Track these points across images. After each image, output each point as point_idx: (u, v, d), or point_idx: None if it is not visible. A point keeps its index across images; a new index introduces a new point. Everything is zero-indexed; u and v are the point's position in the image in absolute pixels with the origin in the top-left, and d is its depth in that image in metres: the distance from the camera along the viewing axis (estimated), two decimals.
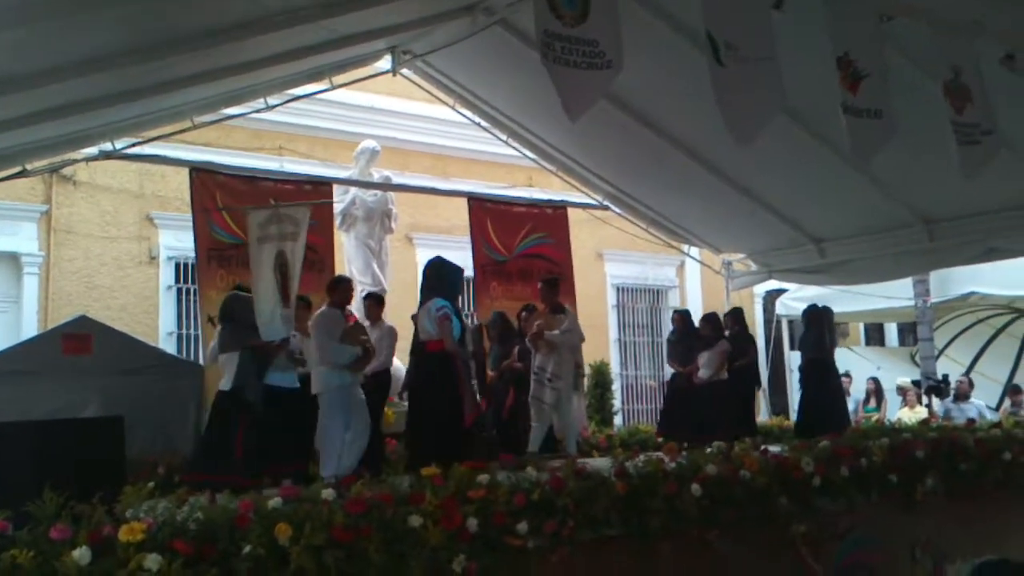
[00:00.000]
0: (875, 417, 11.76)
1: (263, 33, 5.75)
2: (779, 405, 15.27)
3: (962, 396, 12.11)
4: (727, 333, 10.07)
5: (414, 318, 7.59)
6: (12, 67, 4.99)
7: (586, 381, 11.26)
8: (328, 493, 4.22)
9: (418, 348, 7.34)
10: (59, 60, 5.13)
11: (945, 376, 12.55)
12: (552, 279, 9.16)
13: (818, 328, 10.12)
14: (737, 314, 10.47)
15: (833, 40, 5.64)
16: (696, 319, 10.42)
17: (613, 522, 4.92)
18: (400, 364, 8.66)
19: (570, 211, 11.09)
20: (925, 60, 6.38)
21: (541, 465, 5.15)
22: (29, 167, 7.24)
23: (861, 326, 18.54)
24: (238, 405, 7.02)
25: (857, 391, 13.97)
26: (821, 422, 9.01)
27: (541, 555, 4.55)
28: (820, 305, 10.50)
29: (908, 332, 17.69)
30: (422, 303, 7.28)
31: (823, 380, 9.95)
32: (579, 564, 4.69)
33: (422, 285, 7.49)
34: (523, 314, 9.10)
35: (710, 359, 9.68)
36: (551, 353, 8.33)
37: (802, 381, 10.21)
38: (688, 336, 10.11)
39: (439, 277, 7.37)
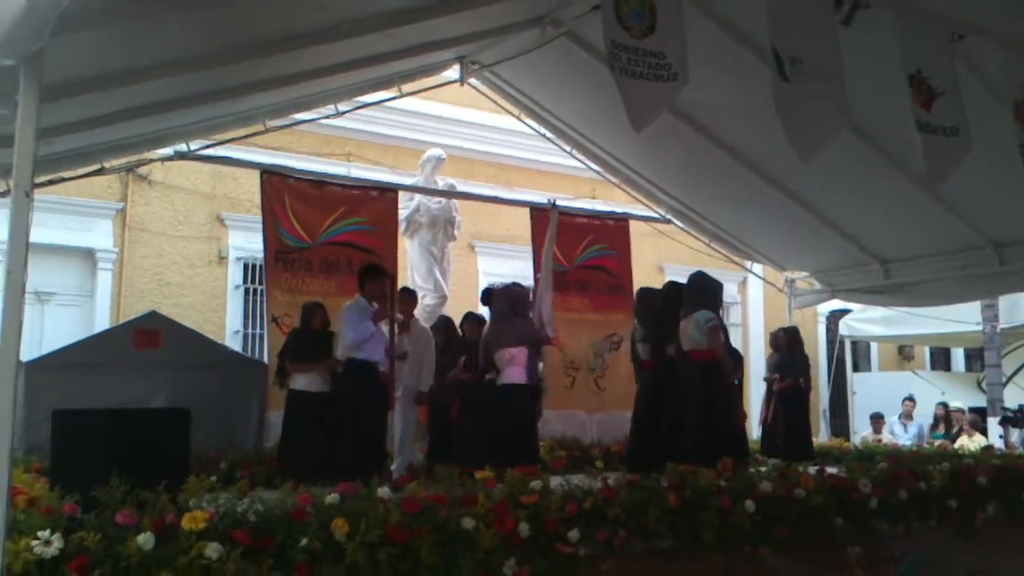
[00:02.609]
0: (937, 443, 11.51)
1: (335, 40, 5.86)
2: (840, 427, 15.07)
3: None
4: None
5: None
6: (97, 67, 5.14)
7: None
8: (385, 492, 4.30)
9: (679, 357, 7.37)
10: (141, 62, 5.28)
11: (1021, 406, 12.26)
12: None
13: (790, 352, 9.95)
14: None
15: (905, 58, 5.59)
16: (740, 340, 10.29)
17: (665, 534, 4.92)
18: None
19: (632, 224, 11.09)
20: (995, 81, 6.29)
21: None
22: (107, 165, 7.46)
23: (926, 350, 18.19)
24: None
25: (920, 415, 13.72)
26: (794, 451, 8.96)
27: (591, 563, 4.57)
28: (792, 327, 10.33)
29: (975, 358, 17.30)
30: (686, 314, 7.29)
31: (798, 407, 9.71)
32: (629, 574, 4.70)
33: (676, 296, 7.54)
34: (465, 325, 8.68)
35: None
36: None
37: (777, 405, 9.81)
38: None
39: (702, 289, 7.42)
